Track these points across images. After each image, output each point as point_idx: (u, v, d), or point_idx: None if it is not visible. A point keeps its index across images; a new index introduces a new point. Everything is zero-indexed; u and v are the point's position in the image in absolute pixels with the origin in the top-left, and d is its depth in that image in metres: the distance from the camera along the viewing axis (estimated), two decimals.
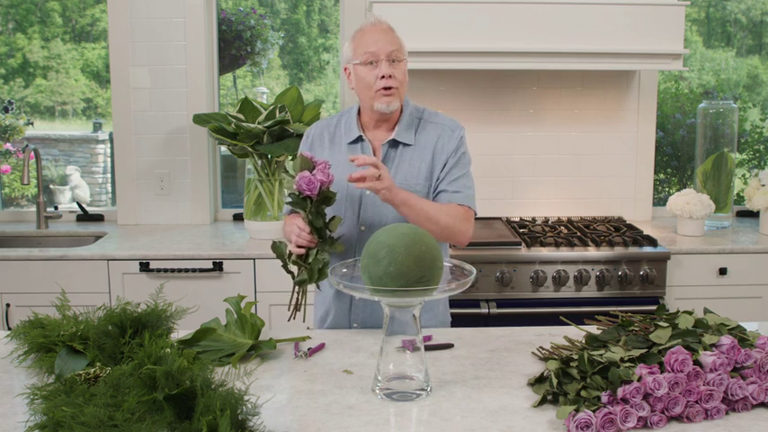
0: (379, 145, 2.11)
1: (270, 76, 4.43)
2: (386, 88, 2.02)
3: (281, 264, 1.99)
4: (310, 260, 1.94)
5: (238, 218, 3.64)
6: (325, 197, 1.92)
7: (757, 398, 1.49)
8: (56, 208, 3.69)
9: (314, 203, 1.91)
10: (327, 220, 1.95)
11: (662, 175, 4.02)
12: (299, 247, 1.94)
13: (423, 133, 2.12)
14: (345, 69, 2.11)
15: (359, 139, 2.12)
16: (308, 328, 2.13)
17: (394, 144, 2.10)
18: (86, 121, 4.83)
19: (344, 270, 1.70)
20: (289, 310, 2.02)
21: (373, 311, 2.11)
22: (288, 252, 1.99)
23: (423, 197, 2.06)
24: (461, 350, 1.84)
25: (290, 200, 1.94)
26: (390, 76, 2.01)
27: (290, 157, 3.23)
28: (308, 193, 1.88)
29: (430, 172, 2.10)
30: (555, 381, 1.52)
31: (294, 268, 2.00)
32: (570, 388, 1.49)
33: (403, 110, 2.12)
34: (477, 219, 3.48)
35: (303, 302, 2.02)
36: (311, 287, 2.12)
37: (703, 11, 4.31)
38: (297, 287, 2.01)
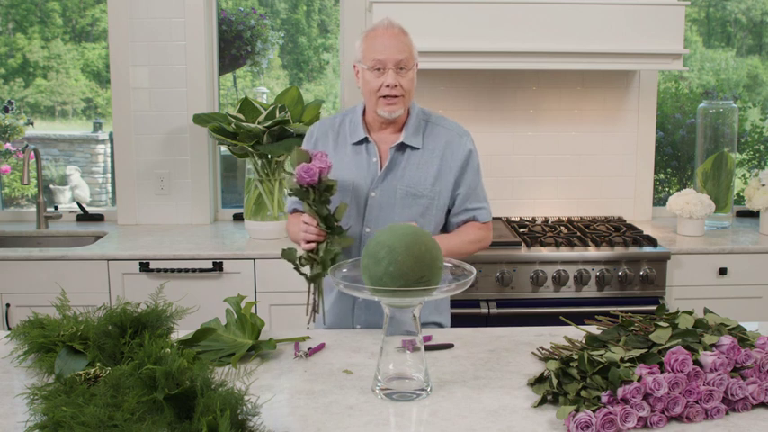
0: (386, 148, 2.10)
1: (270, 76, 4.43)
2: (389, 96, 2.02)
3: (293, 267, 1.93)
4: (321, 254, 1.90)
5: (238, 218, 3.64)
6: (327, 186, 1.90)
7: (757, 398, 1.49)
8: (56, 208, 3.69)
9: (316, 192, 1.89)
10: (332, 210, 1.93)
11: (662, 175, 4.02)
12: (309, 242, 1.92)
13: (430, 137, 2.11)
14: (355, 66, 2.10)
15: (364, 141, 2.11)
16: (307, 328, 2.12)
17: (401, 147, 2.09)
18: (86, 121, 4.84)
19: (345, 270, 1.70)
20: (307, 313, 1.96)
21: (377, 312, 2.10)
22: (298, 255, 1.94)
23: (428, 203, 2.07)
24: (461, 350, 1.84)
25: (290, 192, 1.92)
26: (396, 86, 2.01)
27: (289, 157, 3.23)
28: (309, 180, 1.87)
29: (436, 177, 2.09)
30: (555, 381, 1.52)
31: (307, 269, 1.95)
32: (570, 388, 1.49)
33: (410, 113, 2.12)
34: None
35: (321, 303, 1.96)
36: (327, 290, 2.07)
37: (703, 11, 4.31)
38: (312, 286, 1.95)
